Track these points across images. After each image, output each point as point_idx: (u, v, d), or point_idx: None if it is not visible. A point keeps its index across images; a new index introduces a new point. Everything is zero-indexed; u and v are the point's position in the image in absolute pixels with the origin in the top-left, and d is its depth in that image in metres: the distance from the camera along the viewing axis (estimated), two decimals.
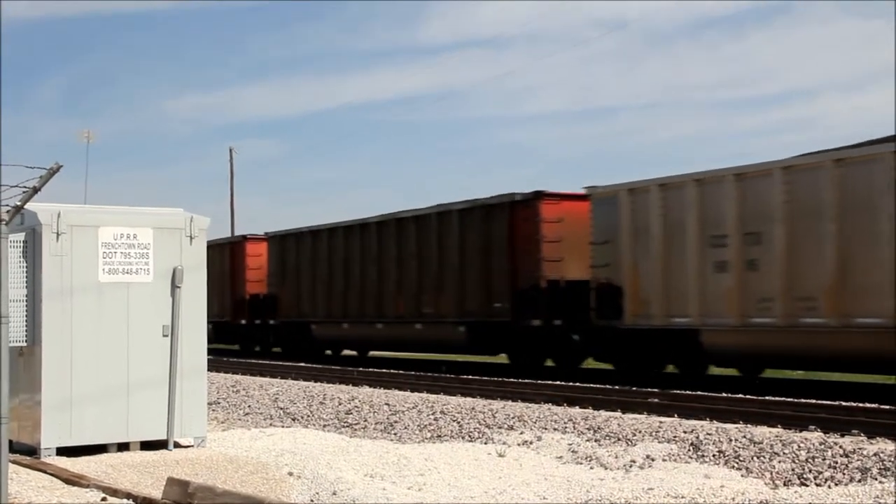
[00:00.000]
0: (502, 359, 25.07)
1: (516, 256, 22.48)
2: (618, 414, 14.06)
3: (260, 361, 29.25)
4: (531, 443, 11.65)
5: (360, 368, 24.08)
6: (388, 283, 26.50)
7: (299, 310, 30.62)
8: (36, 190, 6.61)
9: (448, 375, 21.51)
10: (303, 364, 27.14)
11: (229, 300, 34.33)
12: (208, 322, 27.62)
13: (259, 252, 33.63)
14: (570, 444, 11.37)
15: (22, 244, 9.78)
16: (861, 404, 14.05)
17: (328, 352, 31.47)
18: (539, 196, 22.21)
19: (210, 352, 32.76)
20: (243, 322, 33.95)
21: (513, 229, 22.65)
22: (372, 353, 31.98)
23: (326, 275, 29.23)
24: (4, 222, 6.67)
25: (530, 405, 15.29)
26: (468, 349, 24.64)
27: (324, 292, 29.35)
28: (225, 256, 34.55)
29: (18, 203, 6.79)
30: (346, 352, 32.55)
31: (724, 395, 15.70)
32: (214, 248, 32.48)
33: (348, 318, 28.24)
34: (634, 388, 17.03)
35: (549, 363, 22.94)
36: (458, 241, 24.03)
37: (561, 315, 21.58)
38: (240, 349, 34.84)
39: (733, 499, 8.12)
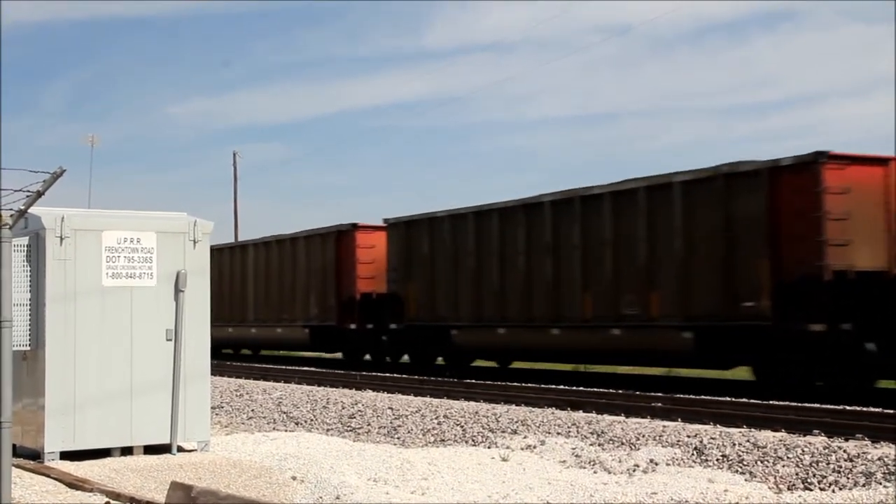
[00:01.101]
0: (740, 373, 20.25)
1: (781, 239, 17.13)
2: (621, 418, 14.04)
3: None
4: (535, 447, 11.64)
5: (364, 372, 24.03)
6: (569, 278, 21.32)
7: (434, 312, 25.34)
8: (40, 194, 6.61)
9: (451, 379, 21.48)
10: (305, 368, 27.14)
11: (334, 300, 28.85)
12: (305, 325, 28.08)
13: (372, 243, 28.32)
14: (574, 449, 11.36)
15: (26, 248, 9.79)
16: (865, 408, 14.02)
17: (473, 362, 26.66)
18: (820, 158, 16.73)
19: (307, 360, 33.84)
20: (352, 326, 28.22)
21: (776, 203, 17.20)
22: (544, 363, 26.46)
23: (474, 269, 23.89)
24: (8, 226, 6.68)
25: (534, 409, 15.27)
26: (695, 361, 19.63)
27: (470, 290, 23.93)
28: (327, 249, 29.34)
29: (22, 207, 6.79)
30: (483, 362, 27.54)
31: (728, 399, 15.68)
32: (314, 239, 29.96)
33: (507, 322, 22.96)
34: (638, 393, 17.01)
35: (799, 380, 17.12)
36: (682, 222, 18.80)
37: (850, 317, 16.21)
38: (344, 358, 30.25)
39: (737, 503, 8.10)
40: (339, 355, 31.79)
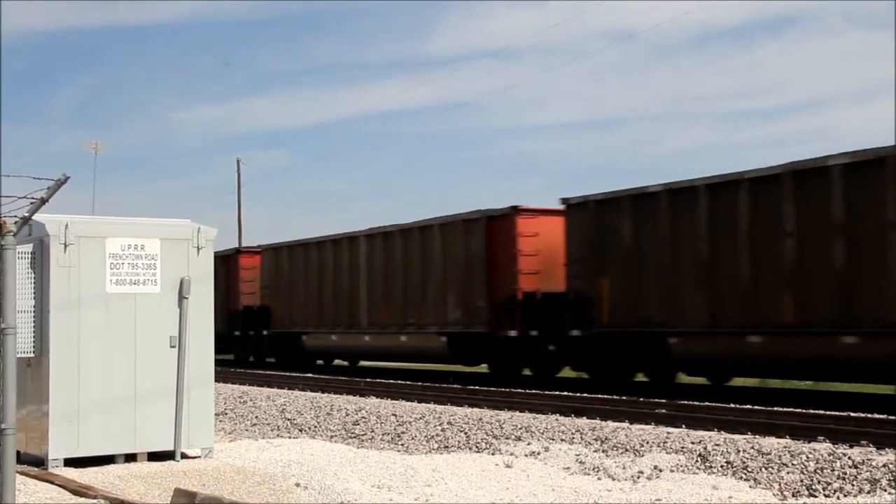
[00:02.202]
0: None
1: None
2: (625, 425, 14.02)
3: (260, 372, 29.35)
4: (539, 453, 11.62)
5: (368, 379, 24.04)
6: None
7: (639, 313, 20.97)
8: (44, 201, 6.62)
9: (455, 386, 21.47)
10: (310, 374, 27.14)
11: (484, 301, 23.88)
12: (441, 332, 25.23)
13: (536, 230, 23.73)
14: (578, 455, 11.34)
15: (30, 255, 9.80)
16: (870, 415, 14.00)
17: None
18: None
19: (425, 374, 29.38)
20: (512, 333, 23.31)
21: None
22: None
23: (706, 257, 18.85)
24: (12, 233, 6.69)
25: (538, 416, 15.26)
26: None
27: (699, 285, 18.86)
28: (474, 238, 24.58)
29: (26, 214, 6.80)
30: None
31: (732, 405, 15.66)
32: (454, 227, 25.11)
33: (761, 328, 17.72)
34: (642, 399, 16.99)
35: None
36: None
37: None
38: (491, 373, 25.24)
39: None
40: (478, 368, 26.29)
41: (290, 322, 31.47)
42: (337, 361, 33.13)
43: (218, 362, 34.94)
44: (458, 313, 24.38)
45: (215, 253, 32.05)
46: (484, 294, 23.62)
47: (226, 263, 34.24)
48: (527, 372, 24.01)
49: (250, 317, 33.90)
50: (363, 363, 32.75)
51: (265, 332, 32.78)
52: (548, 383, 21.93)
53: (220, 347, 34.78)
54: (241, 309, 34.09)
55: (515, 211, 23.17)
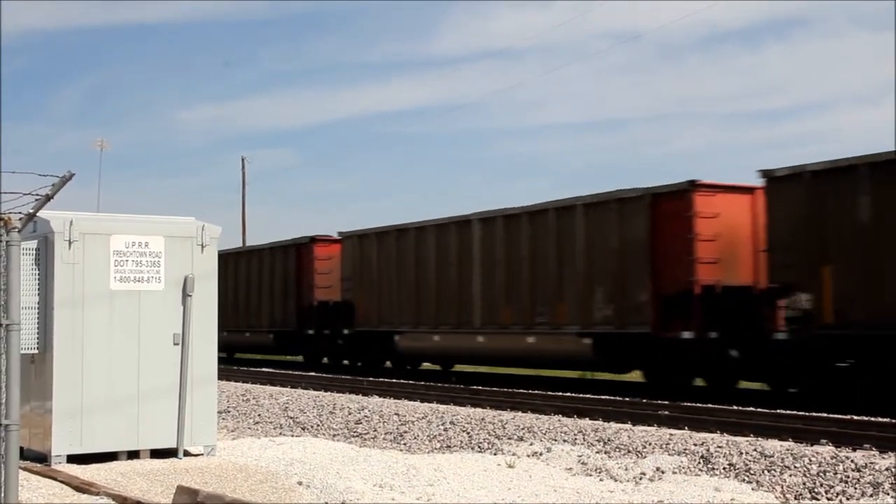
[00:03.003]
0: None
1: None
2: (628, 426, 14.02)
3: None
4: (541, 454, 11.62)
5: (370, 378, 24.06)
6: None
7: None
8: (48, 198, 6.63)
9: (458, 386, 21.47)
10: (313, 373, 27.16)
11: (647, 296, 19.61)
12: (585, 333, 21.09)
13: (716, 211, 18.91)
14: (580, 456, 11.34)
15: (34, 252, 9.81)
16: (873, 418, 13.98)
17: None
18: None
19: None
20: (686, 335, 18.73)
21: None
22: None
23: None
24: (17, 230, 6.70)
25: (540, 416, 15.26)
26: None
27: None
28: (633, 221, 19.96)
29: (31, 211, 6.81)
30: None
31: (735, 408, 15.65)
32: (606, 207, 20.62)
33: None
34: (645, 401, 16.98)
35: None
36: None
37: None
38: (649, 381, 21.37)
39: None
40: (628, 376, 23.01)
41: (378, 320, 27.33)
42: (426, 365, 29.04)
43: (282, 364, 32.69)
44: (609, 311, 20.30)
45: (283, 242, 30.37)
46: (646, 288, 19.49)
47: (297, 254, 31.36)
48: (699, 382, 20.00)
49: (326, 313, 30.00)
50: (459, 367, 27.77)
51: (345, 332, 28.72)
52: (729, 396, 17.84)
53: (288, 347, 31.82)
54: (315, 305, 30.35)
55: (693, 187, 18.99)
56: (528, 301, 22.27)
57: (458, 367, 27.87)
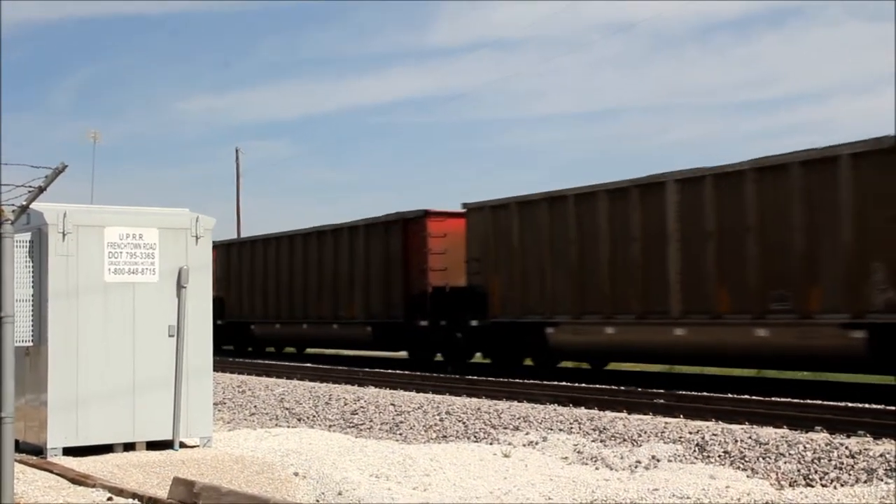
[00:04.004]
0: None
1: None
2: (623, 414, 14.04)
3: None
4: (536, 443, 11.65)
5: (366, 369, 24.07)
6: None
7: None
8: (41, 189, 6.62)
9: (454, 376, 21.49)
10: (308, 364, 27.17)
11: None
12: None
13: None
14: (576, 445, 11.37)
15: (28, 244, 9.80)
16: (867, 405, 14.02)
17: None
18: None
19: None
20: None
21: None
22: None
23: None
24: (10, 222, 6.68)
25: (536, 406, 15.28)
26: None
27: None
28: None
29: (24, 203, 6.80)
30: None
31: (730, 395, 15.68)
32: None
33: None
34: (640, 389, 17.02)
35: None
36: None
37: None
38: None
39: (739, 499, 8.11)
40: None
41: (522, 309, 21.99)
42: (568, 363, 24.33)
43: (384, 362, 29.26)
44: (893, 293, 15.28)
45: (383, 218, 26.50)
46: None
47: (404, 232, 25.91)
48: None
49: (443, 302, 24.65)
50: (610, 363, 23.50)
51: (473, 323, 23.24)
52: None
53: (393, 341, 29.01)
54: (430, 291, 24.96)
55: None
56: (757, 283, 17.16)
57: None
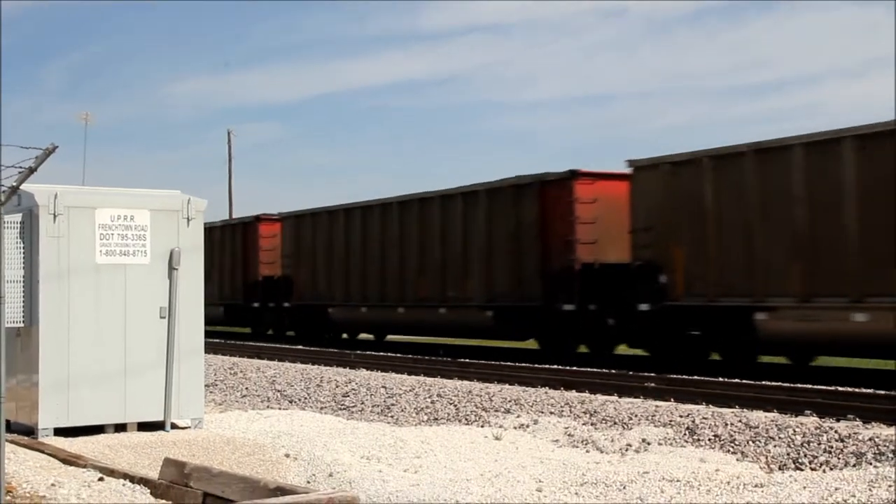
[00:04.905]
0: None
1: None
2: (614, 398, 14.08)
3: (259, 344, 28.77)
4: (528, 426, 11.68)
5: (359, 351, 24.06)
6: None
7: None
8: (32, 170, 6.58)
9: (445, 359, 21.51)
10: (300, 347, 27.13)
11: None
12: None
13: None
14: (567, 428, 11.40)
15: (19, 225, 9.77)
16: (857, 389, 14.08)
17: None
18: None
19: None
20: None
21: None
22: None
23: None
24: (0, 203, 6.66)
25: (527, 389, 15.32)
26: None
27: None
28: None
29: (14, 184, 6.77)
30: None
31: (721, 379, 15.73)
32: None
33: None
34: (631, 373, 17.06)
35: None
36: None
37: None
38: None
39: (728, 482, 8.14)
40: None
41: (717, 289, 17.63)
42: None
43: (503, 353, 25.20)
44: None
45: (516, 183, 21.76)
46: None
47: (542, 197, 21.53)
48: None
49: (592, 281, 20.44)
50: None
51: (643, 307, 18.83)
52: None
53: (522, 329, 22.15)
54: (578, 268, 20.49)
55: None
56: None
57: None
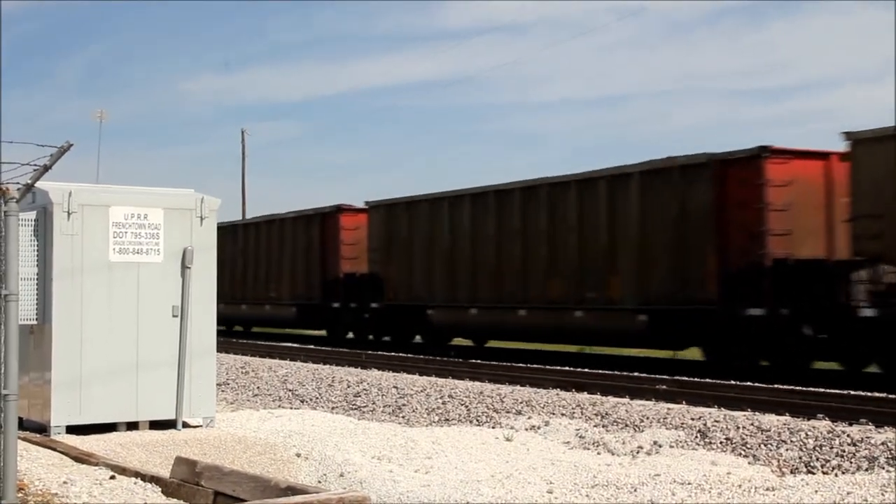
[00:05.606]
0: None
1: None
2: (626, 400, 14.06)
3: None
4: (539, 427, 11.67)
5: (369, 351, 24.07)
6: None
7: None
8: (46, 168, 6.61)
9: (457, 360, 21.50)
10: (311, 346, 27.16)
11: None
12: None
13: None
14: (578, 430, 11.38)
15: (33, 223, 9.80)
16: (869, 393, 14.02)
17: None
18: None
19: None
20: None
21: None
22: None
23: None
24: (15, 200, 6.68)
25: (538, 390, 15.30)
26: None
27: None
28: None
29: (29, 181, 6.79)
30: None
31: (733, 382, 15.69)
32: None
33: None
34: (643, 375, 17.03)
35: None
36: None
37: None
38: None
39: (740, 486, 8.12)
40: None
41: None
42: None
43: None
44: None
45: (686, 164, 18.37)
46: None
47: (721, 180, 18.62)
48: None
49: (785, 278, 17.52)
50: None
51: (866, 313, 16.16)
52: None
53: (682, 335, 18.73)
54: (769, 265, 17.62)
55: None
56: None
57: None
